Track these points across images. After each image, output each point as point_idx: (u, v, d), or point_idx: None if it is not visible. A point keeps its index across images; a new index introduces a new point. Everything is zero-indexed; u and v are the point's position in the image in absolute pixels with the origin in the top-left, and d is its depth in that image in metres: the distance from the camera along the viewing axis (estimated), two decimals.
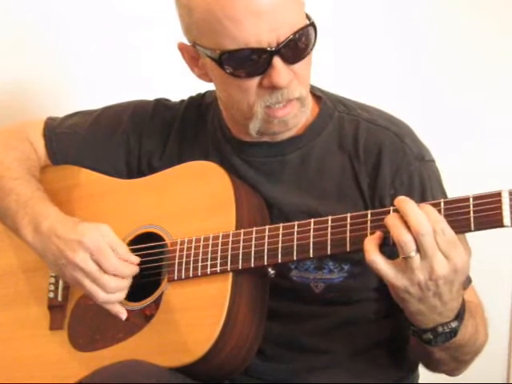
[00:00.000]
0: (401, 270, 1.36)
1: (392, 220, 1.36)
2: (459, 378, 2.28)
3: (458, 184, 1.72)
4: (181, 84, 1.86)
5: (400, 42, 2.45)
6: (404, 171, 1.61)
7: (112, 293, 1.55)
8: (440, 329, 1.43)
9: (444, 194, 1.66)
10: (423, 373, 1.78)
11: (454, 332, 1.44)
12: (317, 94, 1.70)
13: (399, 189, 1.60)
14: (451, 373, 1.63)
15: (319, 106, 1.69)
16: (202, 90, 1.82)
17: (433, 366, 1.62)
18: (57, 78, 2.25)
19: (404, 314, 1.48)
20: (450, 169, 1.73)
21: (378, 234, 1.39)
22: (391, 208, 1.41)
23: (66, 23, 2.22)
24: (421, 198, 1.59)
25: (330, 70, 1.91)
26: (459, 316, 1.44)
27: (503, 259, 2.51)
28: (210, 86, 1.76)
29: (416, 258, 1.34)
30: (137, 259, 1.59)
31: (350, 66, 2.37)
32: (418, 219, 1.34)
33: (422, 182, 1.62)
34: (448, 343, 1.46)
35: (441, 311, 1.41)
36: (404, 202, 1.37)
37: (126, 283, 1.57)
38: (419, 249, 1.34)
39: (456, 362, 1.57)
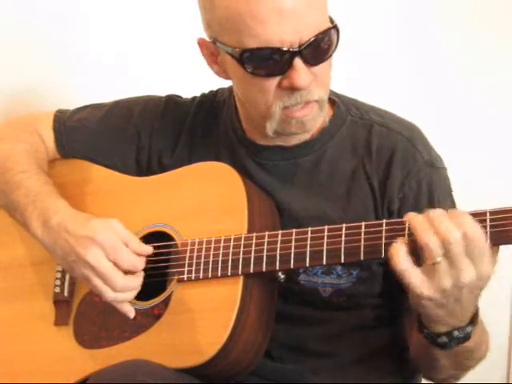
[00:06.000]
0: (427, 276, 1.33)
1: (418, 223, 1.33)
2: None
3: (466, 187, 1.72)
4: (184, 83, 1.87)
5: (409, 44, 2.45)
6: (413, 176, 1.61)
7: (120, 292, 1.54)
8: (456, 333, 1.41)
9: (452, 202, 1.66)
10: None
11: (467, 336, 1.42)
12: (331, 98, 1.69)
13: (408, 193, 1.61)
14: (447, 381, 1.62)
15: (333, 110, 1.69)
16: (203, 89, 1.83)
17: (433, 373, 1.60)
18: (58, 78, 2.25)
19: (414, 318, 1.47)
20: (459, 173, 1.73)
21: (403, 240, 1.36)
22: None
23: (65, 22, 2.21)
24: (428, 205, 1.59)
25: (341, 72, 1.90)
26: (473, 321, 1.42)
27: (503, 259, 2.50)
28: (211, 86, 1.78)
29: (443, 264, 1.32)
30: (149, 249, 1.58)
31: (358, 68, 2.36)
32: (446, 225, 1.31)
33: (430, 189, 1.62)
34: (459, 347, 1.44)
35: (458, 316, 1.39)
36: (435, 210, 1.34)
37: (137, 283, 1.56)
38: (447, 255, 1.31)
39: (457, 369, 1.56)
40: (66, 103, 1.94)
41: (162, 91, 1.86)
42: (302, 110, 1.55)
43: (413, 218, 1.35)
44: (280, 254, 1.50)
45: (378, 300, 1.67)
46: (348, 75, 2.18)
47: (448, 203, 1.63)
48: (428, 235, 1.32)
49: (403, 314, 1.65)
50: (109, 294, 1.54)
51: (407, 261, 1.34)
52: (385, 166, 1.62)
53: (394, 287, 1.59)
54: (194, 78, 1.79)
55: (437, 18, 2.44)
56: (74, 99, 2.01)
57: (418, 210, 1.54)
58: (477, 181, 2.38)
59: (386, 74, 2.40)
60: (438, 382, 1.63)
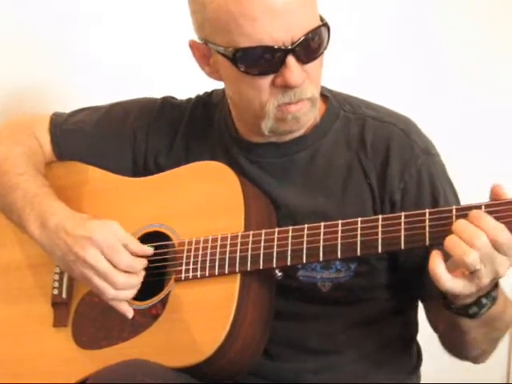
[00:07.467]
0: (468, 281, 1.36)
1: (451, 241, 1.35)
2: (459, 377, 2.29)
3: (464, 182, 1.72)
4: (182, 84, 1.88)
5: (410, 43, 2.46)
6: (412, 165, 1.61)
7: (121, 289, 1.54)
8: (483, 300, 1.43)
9: (451, 186, 1.67)
10: (424, 372, 1.79)
11: (495, 299, 1.44)
12: (324, 94, 1.69)
13: (408, 182, 1.61)
14: (480, 357, 1.62)
15: (326, 106, 1.69)
16: (199, 91, 1.83)
17: (465, 351, 1.61)
18: (58, 78, 2.25)
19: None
20: (458, 169, 1.73)
21: (439, 253, 1.37)
22: (403, 213, 1.41)
23: (65, 22, 2.21)
24: (431, 191, 1.61)
25: (342, 70, 1.91)
26: (496, 284, 1.44)
27: None
28: (209, 87, 1.78)
29: (482, 268, 1.34)
30: (150, 250, 1.58)
31: (359, 67, 2.37)
32: (472, 235, 1.33)
33: (431, 176, 1.62)
34: (488, 314, 1.46)
35: (485, 289, 1.42)
36: (457, 222, 1.36)
37: (137, 280, 1.55)
38: (482, 260, 1.33)
39: (488, 342, 1.57)
40: (66, 103, 1.94)
41: (160, 91, 1.86)
42: (295, 104, 1.55)
43: (448, 239, 1.35)
44: (277, 252, 1.50)
45: (381, 293, 1.67)
46: (348, 74, 2.20)
47: (448, 189, 1.64)
48: (462, 249, 1.33)
49: (417, 304, 1.68)
50: (110, 292, 1.54)
51: (445, 273, 1.36)
52: (382, 158, 1.62)
53: (401, 280, 1.63)
54: (192, 79, 1.78)
55: (437, 17, 2.45)
56: (74, 99, 2.02)
57: (421, 199, 1.58)
58: (476, 176, 2.37)
59: (387, 73, 2.41)
60: (472, 361, 1.64)
